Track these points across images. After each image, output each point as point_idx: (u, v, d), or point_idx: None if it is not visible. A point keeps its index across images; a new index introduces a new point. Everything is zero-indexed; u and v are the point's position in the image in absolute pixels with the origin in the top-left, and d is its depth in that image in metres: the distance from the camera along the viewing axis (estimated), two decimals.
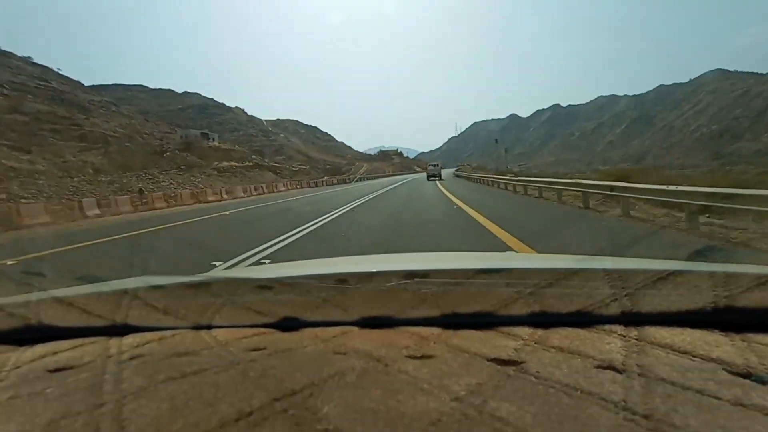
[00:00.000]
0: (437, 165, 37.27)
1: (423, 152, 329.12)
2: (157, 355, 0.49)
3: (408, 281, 0.59)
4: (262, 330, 0.56)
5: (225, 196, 23.07)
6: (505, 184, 15.92)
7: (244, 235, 7.06)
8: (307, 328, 0.56)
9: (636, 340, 0.48)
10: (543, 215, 8.10)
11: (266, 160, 51.67)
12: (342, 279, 0.62)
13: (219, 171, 37.14)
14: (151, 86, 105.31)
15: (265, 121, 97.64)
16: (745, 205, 4.49)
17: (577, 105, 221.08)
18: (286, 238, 5.99)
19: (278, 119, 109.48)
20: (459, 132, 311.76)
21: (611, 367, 0.42)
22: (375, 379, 0.41)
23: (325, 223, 7.67)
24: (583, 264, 0.73)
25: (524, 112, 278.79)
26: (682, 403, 0.36)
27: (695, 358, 0.43)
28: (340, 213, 9.36)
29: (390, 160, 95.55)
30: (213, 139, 48.62)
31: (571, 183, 9.60)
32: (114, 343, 0.54)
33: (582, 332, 0.50)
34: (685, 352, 0.44)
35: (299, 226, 7.11)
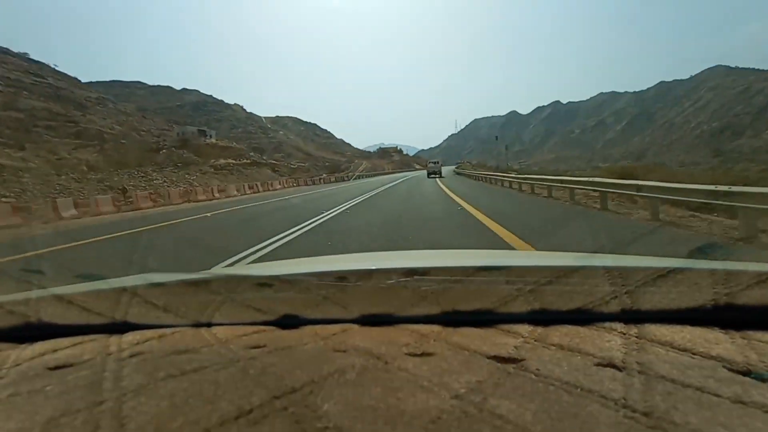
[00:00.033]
0: (437, 162, 37.53)
1: (422, 149, 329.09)
2: (156, 352, 0.49)
3: (408, 279, 0.59)
4: (262, 327, 0.56)
5: (217, 194, 21.78)
6: (510, 182, 15.38)
7: (215, 242, 6.25)
8: (307, 325, 0.56)
9: (636, 337, 0.48)
10: (561, 217, 7.22)
11: (265, 157, 51.19)
12: (342, 276, 0.62)
13: (216, 168, 36.48)
14: (150, 83, 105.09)
15: (265, 118, 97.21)
16: None
17: (577, 102, 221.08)
18: (263, 248, 5.12)
19: (277, 116, 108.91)
20: (459, 129, 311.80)
21: (611, 365, 0.42)
22: (375, 377, 0.41)
23: (314, 226, 7.03)
24: (583, 261, 0.73)
25: (524, 109, 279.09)
26: (682, 400, 0.36)
27: (695, 356, 0.43)
28: (330, 216, 8.59)
29: (389, 158, 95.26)
30: (210, 136, 47.97)
31: (586, 182, 8.80)
32: (114, 340, 0.54)
33: (582, 330, 0.50)
34: (685, 350, 0.44)
35: (283, 231, 6.33)
